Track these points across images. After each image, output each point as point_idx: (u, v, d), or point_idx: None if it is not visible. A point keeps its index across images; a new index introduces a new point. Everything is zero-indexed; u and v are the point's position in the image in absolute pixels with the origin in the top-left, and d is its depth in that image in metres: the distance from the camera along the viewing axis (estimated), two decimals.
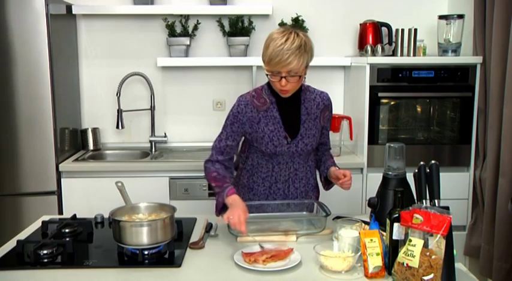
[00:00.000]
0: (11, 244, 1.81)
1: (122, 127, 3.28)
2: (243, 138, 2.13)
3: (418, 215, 1.44)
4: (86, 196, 2.90)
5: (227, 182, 1.97)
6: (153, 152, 3.33)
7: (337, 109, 3.48)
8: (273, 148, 2.01)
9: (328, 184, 2.17)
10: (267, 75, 1.94)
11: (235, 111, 2.02)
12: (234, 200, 1.86)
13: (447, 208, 1.49)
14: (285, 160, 2.06)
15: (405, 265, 1.43)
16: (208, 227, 1.94)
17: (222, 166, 2.05)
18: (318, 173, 2.24)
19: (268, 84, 2.03)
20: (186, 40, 3.28)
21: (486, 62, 2.92)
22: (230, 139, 2.04)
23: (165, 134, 3.42)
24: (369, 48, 3.09)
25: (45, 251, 1.68)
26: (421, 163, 1.68)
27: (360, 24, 3.29)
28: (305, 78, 1.97)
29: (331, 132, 3.10)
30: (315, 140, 2.07)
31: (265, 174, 2.09)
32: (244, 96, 2.05)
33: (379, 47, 3.07)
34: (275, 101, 2.02)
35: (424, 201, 1.64)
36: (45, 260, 1.67)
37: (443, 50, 3.04)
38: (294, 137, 2.03)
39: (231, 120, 2.03)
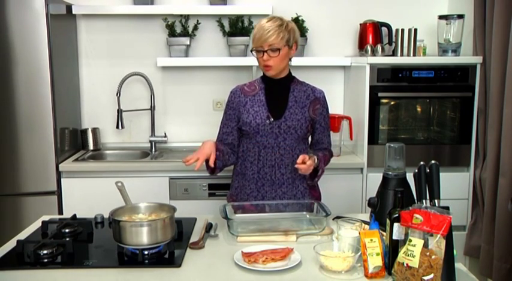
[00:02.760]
0: (11, 244, 1.81)
1: (122, 127, 3.28)
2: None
3: (418, 215, 1.44)
4: (86, 196, 2.90)
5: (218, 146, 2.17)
6: (153, 152, 3.33)
7: (337, 109, 3.48)
8: (255, 125, 2.16)
9: (311, 177, 2.20)
10: (251, 52, 2.15)
11: (227, 100, 2.28)
12: (204, 142, 2.11)
13: (447, 208, 1.49)
14: (270, 144, 2.17)
15: (405, 265, 1.43)
16: (208, 227, 1.94)
17: (218, 154, 2.17)
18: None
19: (262, 76, 2.25)
20: (186, 40, 3.28)
21: (486, 62, 2.92)
22: (225, 126, 2.26)
23: (165, 134, 3.42)
24: (368, 48, 3.09)
25: (45, 251, 1.68)
26: (421, 163, 1.68)
27: (360, 24, 3.29)
28: (291, 62, 2.21)
29: (331, 132, 3.14)
30: (299, 125, 2.17)
31: (253, 158, 2.20)
32: (236, 86, 2.30)
33: (379, 47, 3.07)
34: (264, 87, 2.22)
35: (424, 201, 1.63)
36: (45, 260, 1.67)
37: (443, 50, 3.04)
38: (277, 119, 2.16)
39: (225, 109, 2.28)
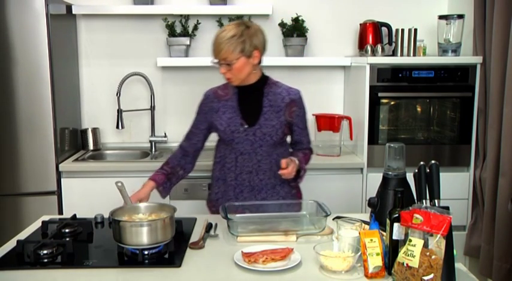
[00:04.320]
0: (11, 244, 1.81)
1: (122, 127, 3.28)
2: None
3: (418, 215, 1.44)
4: (86, 196, 2.90)
5: (162, 169, 2.20)
6: (153, 152, 3.33)
7: (337, 109, 3.48)
8: (230, 133, 2.12)
9: (294, 179, 2.17)
10: (211, 62, 2.09)
11: (200, 103, 2.24)
12: (144, 184, 2.11)
13: (447, 208, 1.49)
14: (247, 150, 2.13)
15: (405, 265, 1.43)
16: (208, 227, 1.94)
17: (180, 153, 2.25)
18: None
19: None
20: (186, 40, 3.28)
21: (486, 62, 2.92)
22: (194, 127, 2.25)
23: (165, 134, 3.42)
24: (369, 48, 3.09)
25: (45, 251, 1.68)
26: (421, 163, 1.68)
27: (360, 24, 3.29)
28: (261, 70, 2.16)
29: (331, 133, 3.17)
30: (274, 131, 2.12)
31: (230, 164, 2.17)
32: (210, 89, 2.25)
33: (379, 47, 3.07)
34: (237, 92, 2.16)
35: (424, 201, 1.64)
36: (45, 260, 1.67)
37: (443, 50, 3.04)
38: (251, 125, 2.11)
39: (197, 110, 2.26)
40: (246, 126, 2.12)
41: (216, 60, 2.06)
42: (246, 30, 2.03)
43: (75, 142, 3.30)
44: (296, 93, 2.19)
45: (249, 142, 2.12)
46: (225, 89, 2.19)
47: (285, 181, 2.19)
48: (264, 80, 2.18)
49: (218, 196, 2.24)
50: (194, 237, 1.86)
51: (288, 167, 2.02)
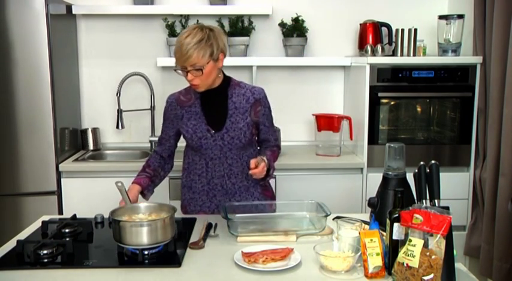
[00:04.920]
0: (11, 244, 1.81)
1: (122, 127, 3.28)
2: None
3: (418, 215, 1.44)
4: (86, 196, 2.90)
5: (145, 171, 2.16)
6: None
7: (337, 109, 3.48)
8: (197, 139, 2.08)
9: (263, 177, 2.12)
10: (175, 70, 2.00)
11: (164, 109, 2.18)
12: (130, 188, 2.03)
13: (447, 208, 1.49)
14: (217, 155, 2.10)
15: (405, 265, 1.43)
16: (208, 227, 1.94)
17: (158, 156, 2.23)
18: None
19: None
20: None
21: (486, 62, 2.92)
22: (164, 133, 2.21)
23: None
24: (369, 48, 3.09)
25: (45, 251, 1.68)
26: (421, 163, 1.68)
27: (360, 24, 3.29)
28: (223, 71, 2.09)
29: (331, 133, 3.17)
30: (242, 133, 2.08)
31: (200, 171, 2.13)
32: (173, 94, 2.18)
33: (379, 47, 3.07)
34: (199, 97, 2.10)
35: (424, 201, 1.64)
36: (45, 260, 1.67)
37: (443, 50, 3.04)
38: (218, 130, 2.07)
39: (163, 116, 2.19)
40: (212, 132, 2.07)
41: (180, 68, 1.96)
42: (211, 32, 1.94)
43: (75, 142, 3.30)
44: (260, 93, 2.14)
45: (217, 147, 2.08)
46: (187, 95, 2.12)
47: (257, 182, 2.17)
48: (227, 81, 2.12)
49: (186, 202, 2.21)
50: (194, 237, 1.86)
51: (258, 167, 1.98)
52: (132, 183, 2.10)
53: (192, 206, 2.19)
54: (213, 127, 2.08)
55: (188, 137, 2.10)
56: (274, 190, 2.53)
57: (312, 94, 3.48)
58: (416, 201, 1.67)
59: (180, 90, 2.17)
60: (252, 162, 1.98)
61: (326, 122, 3.19)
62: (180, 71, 1.98)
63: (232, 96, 2.10)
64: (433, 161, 1.66)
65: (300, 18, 3.30)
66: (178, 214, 1.83)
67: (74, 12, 3.21)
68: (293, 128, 3.49)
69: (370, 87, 2.96)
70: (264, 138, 2.22)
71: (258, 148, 2.25)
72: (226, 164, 2.11)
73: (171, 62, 3.29)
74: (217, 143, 2.08)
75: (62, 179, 2.94)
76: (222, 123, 2.08)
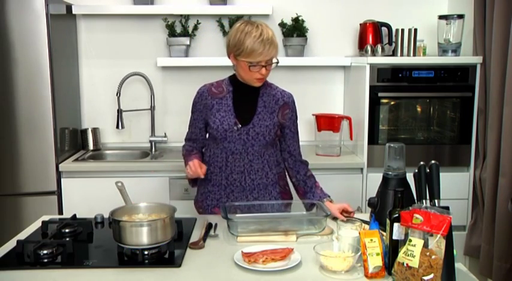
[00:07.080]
0: (11, 244, 1.81)
1: (122, 127, 3.28)
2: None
3: (418, 215, 1.44)
4: (86, 196, 2.90)
5: (193, 154, 2.19)
6: (153, 152, 3.33)
7: (337, 109, 3.48)
8: (223, 131, 2.09)
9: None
10: (232, 66, 2.07)
11: (194, 101, 2.19)
12: (192, 160, 2.07)
13: (447, 208, 1.49)
14: (238, 150, 2.11)
15: (405, 265, 1.43)
16: (208, 227, 1.94)
17: (191, 148, 2.24)
18: (293, 184, 2.26)
19: (230, 77, 2.16)
20: (186, 40, 3.28)
21: (486, 62, 2.92)
22: (193, 127, 2.21)
23: (165, 134, 3.42)
24: (369, 48, 3.09)
25: (45, 251, 1.68)
26: (421, 163, 1.68)
27: (360, 24, 3.29)
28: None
29: (331, 132, 3.17)
30: (267, 131, 2.10)
31: (221, 163, 2.15)
32: (204, 85, 2.20)
33: (379, 47, 3.07)
34: (232, 91, 2.14)
35: (424, 201, 1.64)
36: (45, 260, 1.67)
37: (443, 50, 3.05)
38: (245, 124, 2.09)
39: (192, 109, 2.20)
40: (239, 125, 2.09)
41: (259, 64, 1.98)
42: (268, 29, 2.02)
43: (75, 142, 3.30)
44: (290, 97, 2.19)
45: (241, 141, 2.10)
46: (219, 87, 2.16)
47: (277, 181, 2.19)
48: None
49: (203, 197, 2.23)
50: (194, 237, 1.86)
51: (350, 213, 2.04)
52: (192, 160, 2.08)
53: (209, 200, 2.19)
54: (240, 121, 2.10)
55: (214, 128, 2.10)
56: None
57: (312, 94, 3.48)
58: (416, 201, 1.67)
59: (212, 83, 2.19)
60: (341, 216, 2.00)
61: (326, 122, 3.19)
62: (250, 66, 1.99)
63: (263, 95, 2.14)
64: (433, 161, 1.66)
65: (300, 18, 3.30)
66: (179, 214, 1.83)
67: (74, 12, 3.21)
68: None
69: (370, 87, 2.96)
70: (289, 145, 2.20)
71: (288, 176, 2.26)
72: (246, 160, 2.12)
73: (171, 62, 3.33)
74: (241, 137, 2.09)
75: (62, 179, 2.94)
76: (250, 119, 2.10)
